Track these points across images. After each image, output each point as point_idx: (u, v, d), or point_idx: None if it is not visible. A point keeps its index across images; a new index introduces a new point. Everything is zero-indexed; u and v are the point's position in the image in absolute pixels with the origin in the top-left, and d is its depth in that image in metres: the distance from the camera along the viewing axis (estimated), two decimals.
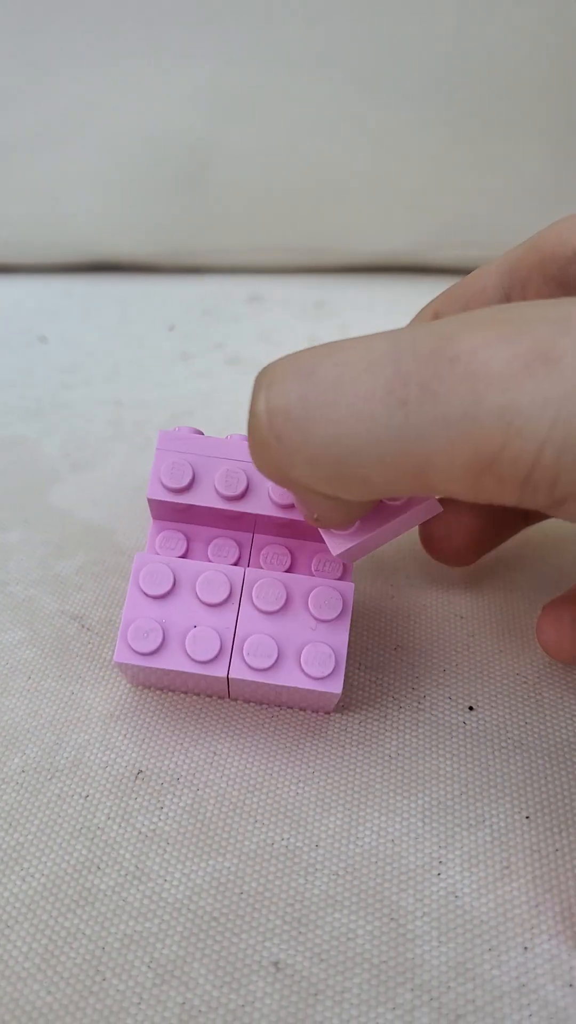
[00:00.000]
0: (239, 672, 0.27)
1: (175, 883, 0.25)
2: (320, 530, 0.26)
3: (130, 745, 0.29)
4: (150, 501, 0.28)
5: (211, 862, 0.26)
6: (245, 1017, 0.22)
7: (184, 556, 0.29)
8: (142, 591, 0.27)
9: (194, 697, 0.30)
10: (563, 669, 0.31)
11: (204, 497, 0.28)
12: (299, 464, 0.21)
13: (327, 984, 0.23)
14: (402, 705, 0.30)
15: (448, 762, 0.28)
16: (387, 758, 0.28)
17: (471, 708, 0.30)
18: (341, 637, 0.27)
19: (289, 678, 0.27)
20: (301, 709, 0.30)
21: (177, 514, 0.29)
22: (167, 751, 0.28)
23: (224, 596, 0.27)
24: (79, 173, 0.50)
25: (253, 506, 0.28)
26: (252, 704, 0.30)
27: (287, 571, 0.29)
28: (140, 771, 0.28)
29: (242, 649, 0.27)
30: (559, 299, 0.20)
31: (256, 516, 0.28)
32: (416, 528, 0.32)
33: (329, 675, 0.27)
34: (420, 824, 0.27)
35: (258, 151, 0.50)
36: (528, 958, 0.24)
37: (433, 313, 0.29)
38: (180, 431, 0.29)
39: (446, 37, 0.46)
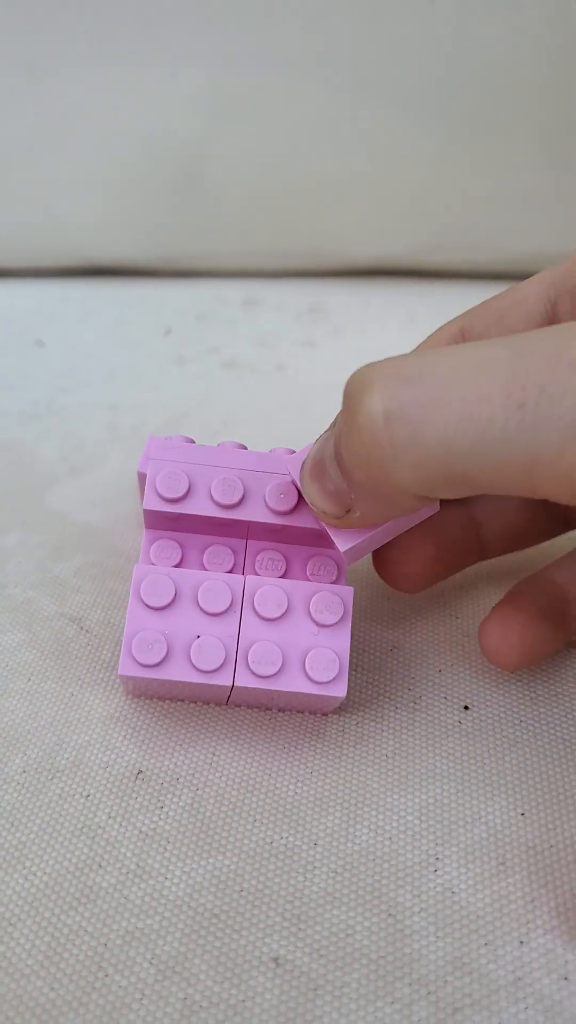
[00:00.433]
0: (244, 680, 0.27)
1: (176, 881, 0.26)
2: (328, 529, 0.27)
3: (130, 746, 0.29)
4: (146, 511, 0.28)
5: (211, 860, 0.26)
6: (246, 1012, 0.23)
7: (179, 565, 0.29)
8: (143, 603, 0.27)
9: None
10: (556, 669, 0.31)
11: (201, 506, 0.28)
12: (405, 466, 0.22)
13: (326, 979, 0.23)
14: (398, 705, 0.30)
15: (444, 761, 0.29)
16: (384, 757, 0.29)
17: (466, 708, 0.30)
18: (343, 641, 0.28)
19: (294, 684, 0.27)
20: (299, 712, 0.30)
21: (170, 522, 0.29)
22: (167, 752, 0.29)
23: (226, 605, 0.27)
24: (75, 177, 0.51)
25: (250, 513, 0.28)
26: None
27: (282, 576, 0.29)
28: (140, 771, 0.28)
29: (246, 657, 0.27)
30: None
31: (249, 522, 0.28)
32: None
33: (333, 679, 0.27)
34: (417, 822, 0.27)
35: (253, 155, 0.50)
36: (524, 952, 0.24)
37: (460, 329, 0.29)
38: (172, 440, 0.29)
39: (443, 41, 0.46)
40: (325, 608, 0.28)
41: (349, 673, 0.31)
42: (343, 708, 0.30)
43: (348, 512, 0.25)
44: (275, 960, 0.24)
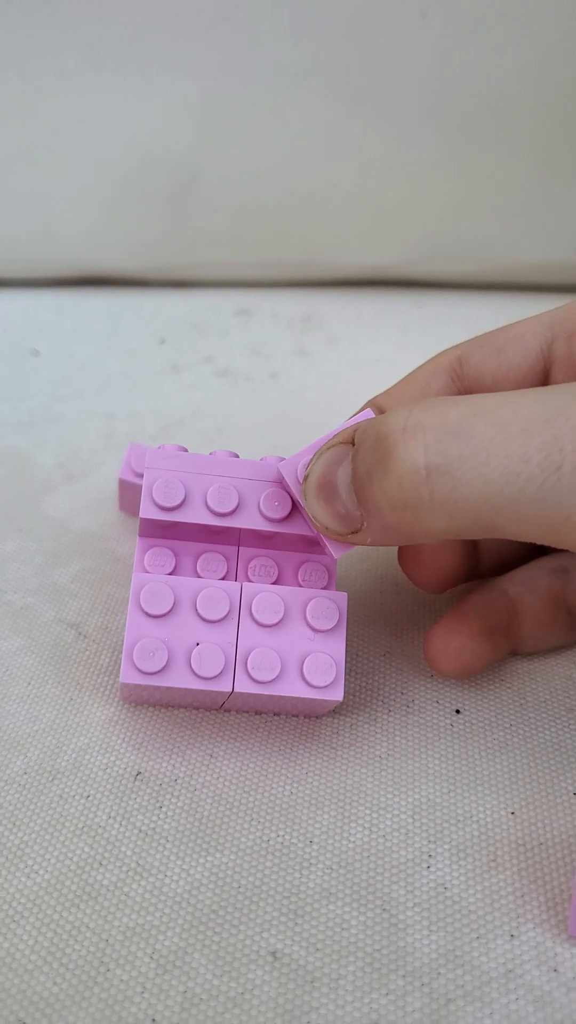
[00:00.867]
0: (244, 686, 0.27)
1: (175, 878, 0.26)
2: (326, 538, 0.27)
3: (129, 748, 0.29)
4: (141, 520, 0.29)
5: (209, 858, 0.27)
6: (244, 1004, 0.23)
7: (173, 572, 0.29)
8: (143, 611, 0.28)
9: None
10: (546, 674, 0.32)
11: (196, 514, 0.28)
12: (440, 517, 0.23)
13: (323, 972, 0.24)
14: (391, 708, 0.31)
15: (436, 762, 0.29)
16: (377, 758, 0.29)
17: (458, 711, 0.31)
18: (339, 646, 0.28)
19: (293, 689, 0.28)
20: (294, 715, 0.31)
21: (164, 530, 0.29)
22: (165, 754, 0.29)
23: (224, 612, 0.28)
24: (70, 188, 0.51)
25: (244, 521, 0.28)
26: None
27: (275, 582, 0.30)
28: (139, 773, 0.29)
29: (246, 663, 0.27)
30: None
31: (242, 529, 0.29)
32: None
33: (330, 684, 0.28)
34: (410, 820, 0.28)
35: (247, 166, 0.50)
36: (514, 945, 0.25)
37: (458, 358, 0.30)
38: (166, 448, 0.30)
39: (434, 53, 0.47)
40: (321, 614, 0.28)
41: (344, 677, 0.32)
42: (337, 710, 0.31)
43: (354, 533, 0.26)
44: (273, 954, 0.24)
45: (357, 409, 0.32)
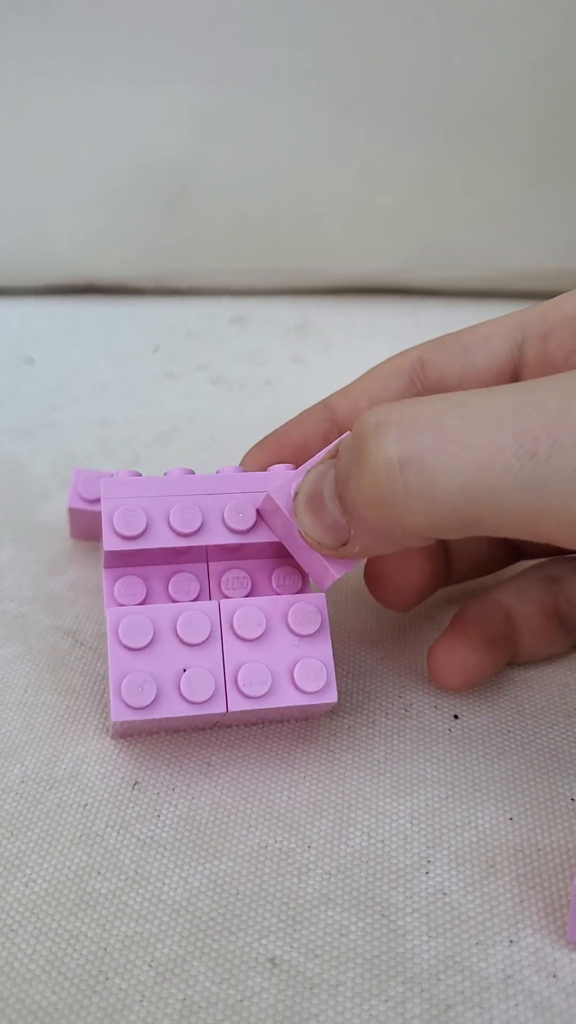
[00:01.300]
0: (238, 704, 0.27)
1: (173, 886, 0.26)
2: (324, 557, 0.27)
3: (126, 758, 0.29)
4: (106, 554, 0.28)
5: (208, 865, 0.27)
6: (244, 1011, 0.23)
7: (145, 600, 0.29)
8: (124, 645, 0.27)
9: None
10: (543, 681, 0.32)
11: (162, 538, 0.28)
12: (418, 510, 0.23)
13: (322, 978, 0.24)
14: (389, 713, 0.31)
15: (435, 767, 0.29)
16: (375, 763, 0.29)
17: (456, 717, 0.31)
18: (325, 648, 0.28)
19: (287, 698, 0.27)
20: (290, 721, 0.31)
21: (130, 558, 0.29)
22: (162, 763, 0.29)
23: (206, 633, 0.28)
24: (64, 196, 0.51)
25: (211, 537, 0.28)
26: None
27: (250, 593, 0.29)
28: (137, 782, 0.29)
29: (236, 681, 0.27)
30: None
31: (208, 546, 0.29)
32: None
33: (323, 687, 0.28)
34: (409, 826, 0.28)
35: (241, 174, 0.51)
36: (513, 951, 0.25)
37: (419, 358, 0.30)
38: (119, 476, 0.29)
39: (428, 60, 0.47)
40: (302, 619, 0.28)
41: (341, 680, 0.32)
42: (335, 714, 0.31)
43: (344, 545, 0.26)
44: (272, 960, 0.24)
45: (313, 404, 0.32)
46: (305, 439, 0.31)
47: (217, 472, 0.30)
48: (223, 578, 0.29)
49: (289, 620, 0.28)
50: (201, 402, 0.47)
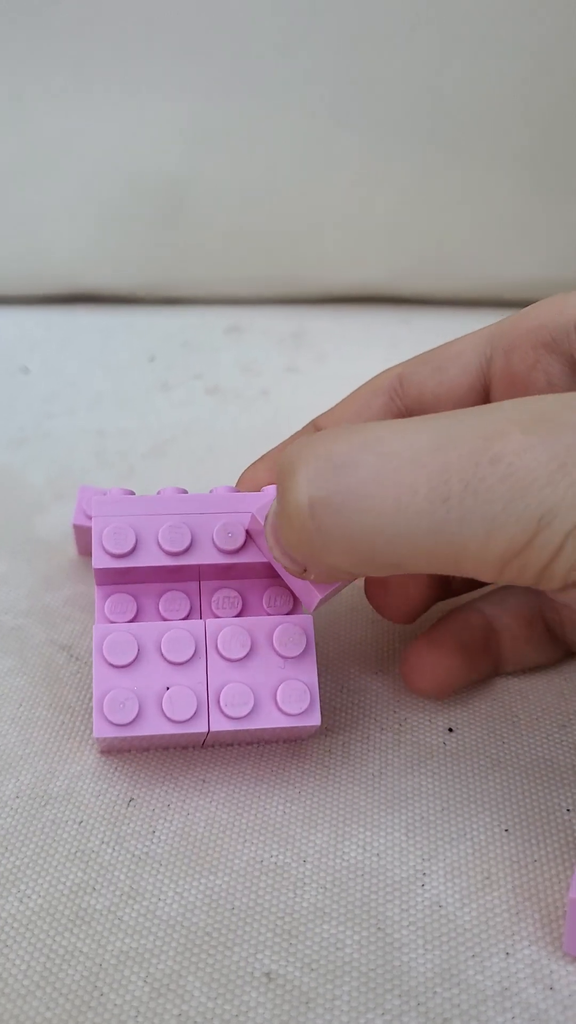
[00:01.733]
0: (220, 724, 0.27)
1: (169, 901, 0.26)
2: (300, 582, 0.27)
3: (121, 774, 0.29)
4: (96, 571, 0.28)
5: (203, 880, 0.27)
6: None
7: (136, 617, 0.29)
8: (108, 663, 0.27)
9: None
10: (538, 691, 0.32)
11: (151, 557, 0.28)
12: (336, 551, 0.23)
13: (318, 992, 0.24)
14: (384, 727, 0.31)
15: (429, 780, 0.29)
16: (370, 777, 0.29)
17: (450, 730, 0.31)
18: (310, 670, 0.28)
19: (269, 720, 0.27)
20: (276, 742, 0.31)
21: (121, 576, 0.29)
22: (158, 780, 0.29)
23: (191, 652, 0.28)
24: (59, 206, 0.51)
25: (200, 557, 0.28)
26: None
27: (240, 613, 0.29)
28: (132, 799, 0.29)
29: (218, 701, 0.27)
30: None
31: (200, 565, 0.28)
32: None
33: (306, 710, 0.28)
34: (404, 838, 0.28)
35: (236, 183, 0.51)
36: (510, 963, 0.25)
37: (398, 376, 0.30)
38: (111, 493, 0.29)
39: (424, 69, 0.47)
40: (288, 640, 0.28)
41: (335, 695, 0.32)
42: (329, 729, 0.31)
43: (304, 571, 0.26)
44: (267, 975, 0.24)
45: (308, 414, 0.32)
46: None
47: (210, 491, 0.30)
48: (214, 597, 0.29)
49: (274, 641, 0.28)
50: (197, 413, 0.47)
